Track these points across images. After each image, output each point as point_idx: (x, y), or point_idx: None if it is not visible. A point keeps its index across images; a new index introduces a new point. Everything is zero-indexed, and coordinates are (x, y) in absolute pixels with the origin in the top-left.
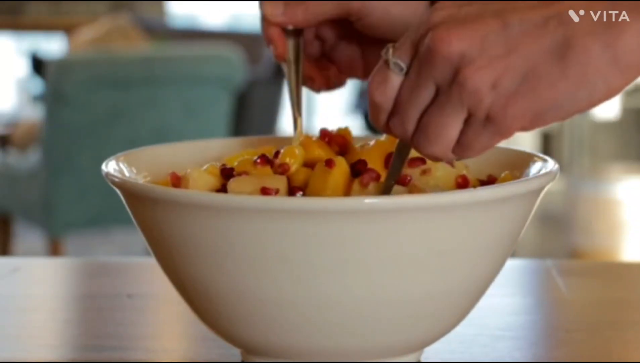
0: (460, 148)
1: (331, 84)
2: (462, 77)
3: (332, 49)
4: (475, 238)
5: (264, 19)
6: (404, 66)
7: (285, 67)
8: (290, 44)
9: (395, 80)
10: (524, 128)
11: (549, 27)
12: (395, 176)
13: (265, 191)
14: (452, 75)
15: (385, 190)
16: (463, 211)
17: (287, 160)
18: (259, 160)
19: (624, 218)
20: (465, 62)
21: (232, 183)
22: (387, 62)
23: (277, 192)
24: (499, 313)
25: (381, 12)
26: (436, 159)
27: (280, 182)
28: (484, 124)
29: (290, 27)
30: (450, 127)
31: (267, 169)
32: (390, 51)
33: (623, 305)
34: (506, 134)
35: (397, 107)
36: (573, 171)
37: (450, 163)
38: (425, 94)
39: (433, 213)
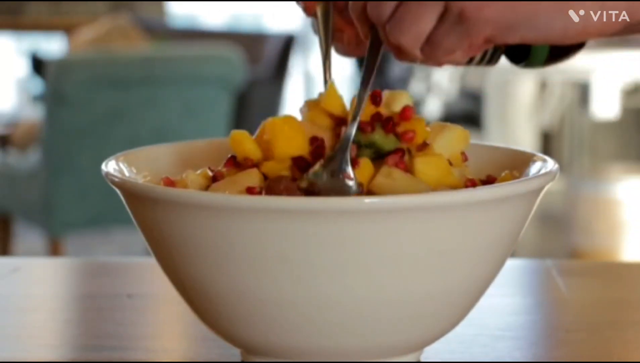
0: (429, 45)
1: (361, 40)
2: None
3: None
4: (475, 238)
5: None
6: None
7: (314, 24)
8: (320, 3)
9: None
10: (492, 37)
11: None
12: (369, 78)
13: (250, 191)
14: None
15: (360, 96)
16: (463, 211)
17: (247, 155)
18: (226, 163)
19: (624, 218)
20: None
21: (210, 189)
22: None
23: (261, 189)
24: (499, 313)
25: None
26: (403, 53)
27: (253, 178)
28: (455, 22)
29: None
30: (425, 18)
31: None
32: None
33: (623, 305)
34: (474, 37)
35: None
36: (573, 171)
37: (414, 62)
38: None
39: (433, 213)
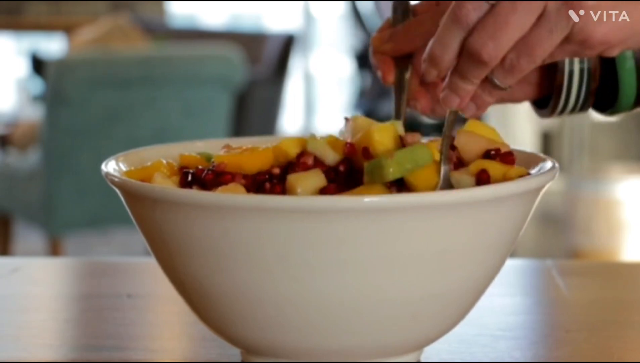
0: (522, 46)
1: (436, 106)
2: (577, 6)
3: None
4: (475, 238)
5: (372, 48)
6: None
7: (394, 89)
8: (396, 69)
9: (484, 7)
10: (602, 52)
11: None
12: (447, 155)
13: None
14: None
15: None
16: (463, 210)
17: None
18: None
19: (624, 218)
20: None
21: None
22: None
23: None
24: (499, 313)
25: None
26: (479, 66)
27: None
28: (573, 42)
29: (396, 54)
30: (552, 45)
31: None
32: None
33: (623, 305)
34: (588, 53)
35: (489, 30)
36: (573, 171)
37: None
38: (530, 18)
39: (433, 213)
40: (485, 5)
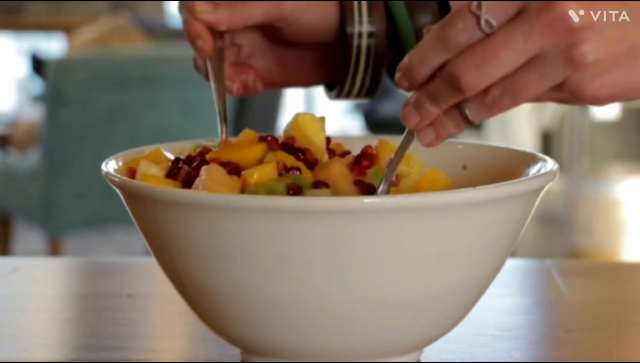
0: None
1: (248, 89)
2: (579, 53)
3: (248, 57)
4: (475, 238)
5: (191, 14)
6: (495, 24)
7: (209, 67)
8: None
9: (477, 35)
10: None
11: None
12: (395, 168)
13: None
14: (567, 47)
15: (386, 183)
16: (462, 211)
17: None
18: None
19: (624, 218)
20: (584, 37)
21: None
22: (475, 15)
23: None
24: (499, 313)
25: (311, 15)
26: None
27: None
28: (561, 90)
29: (218, 28)
30: (540, 90)
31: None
32: (484, 8)
33: (623, 305)
34: (578, 101)
35: (477, 58)
36: (573, 171)
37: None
38: (523, 58)
39: (433, 213)
40: (478, 33)
